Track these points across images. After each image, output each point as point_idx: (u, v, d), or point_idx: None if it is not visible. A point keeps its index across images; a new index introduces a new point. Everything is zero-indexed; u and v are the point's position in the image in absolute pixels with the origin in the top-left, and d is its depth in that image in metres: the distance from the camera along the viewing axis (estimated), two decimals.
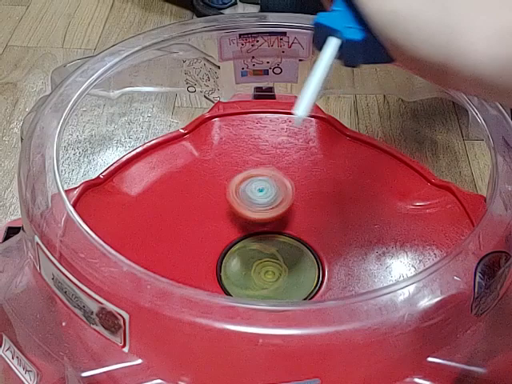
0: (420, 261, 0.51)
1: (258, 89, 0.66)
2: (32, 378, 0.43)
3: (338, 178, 0.58)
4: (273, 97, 0.65)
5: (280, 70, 0.63)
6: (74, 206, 0.44)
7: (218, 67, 0.63)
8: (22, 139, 0.51)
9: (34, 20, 1.00)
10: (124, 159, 0.58)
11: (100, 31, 0.98)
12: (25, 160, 0.47)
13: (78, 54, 0.94)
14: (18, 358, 0.44)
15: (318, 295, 0.48)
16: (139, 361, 0.40)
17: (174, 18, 1.02)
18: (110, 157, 0.77)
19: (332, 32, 0.36)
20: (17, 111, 0.84)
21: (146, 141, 0.61)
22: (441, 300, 0.39)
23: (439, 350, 0.41)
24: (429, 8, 0.33)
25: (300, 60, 0.63)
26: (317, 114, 0.62)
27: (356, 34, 0.36)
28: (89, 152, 0.78)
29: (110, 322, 0.39)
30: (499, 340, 0.44)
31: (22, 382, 0.44)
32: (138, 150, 0.59)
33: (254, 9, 0.97)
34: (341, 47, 0.36)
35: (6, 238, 0.56)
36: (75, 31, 0.98)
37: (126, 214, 0.54)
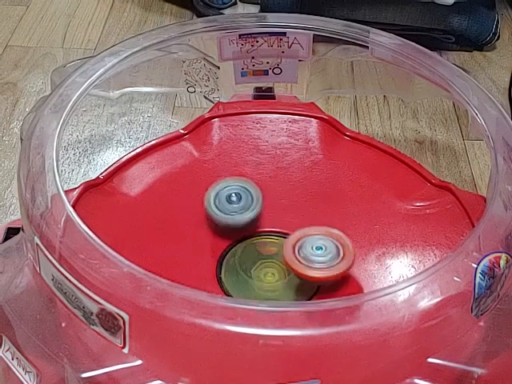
0: (420, 261, 0.51)
1: (257, 89, 0.65)
2: (32, 379, 0.43)
3: (338, 177, 0.58)
4: (273, 97, 0.65)
5: (280, 70, 0.63)
6: (73, 206, 0.44)
7: (218, 67, 0.63)
8: (21, 139, 0.51)
9: (34, 20, 1.00)
10: (124, 159, 0.58)
11: (100, 31, 0.98)
12: (25, 160, 0.47)
13: (78, 54, 0.93)
14: (17, 358, 0.44)
15: (318, 295, 0.48)
16: (139, 362, 0.40)
17: (174, 18, 1.02)
18: (109, 157, 0.77)
19: None
20: (17, 111, 0.84)
21: (146, 141, 0.61)
22: (441, 301, 0.39)
23: (439, 351, 0.41)
24: None
25: (300, 60, 0.63)
26: (317, 114, 0.62)
27: None
28: (89, 152, 0.78)
29: (109, 322, 0.39)
30: (499, 340, 0.44)
31: (22, 382, 0.43)
32: (137, 151, 0.59)
33: (254, 9, 0.97)
34: None
35: (5, 239, 0.56)
36: (75, 31, 0.98)
37: (126, 214, 0.54)
